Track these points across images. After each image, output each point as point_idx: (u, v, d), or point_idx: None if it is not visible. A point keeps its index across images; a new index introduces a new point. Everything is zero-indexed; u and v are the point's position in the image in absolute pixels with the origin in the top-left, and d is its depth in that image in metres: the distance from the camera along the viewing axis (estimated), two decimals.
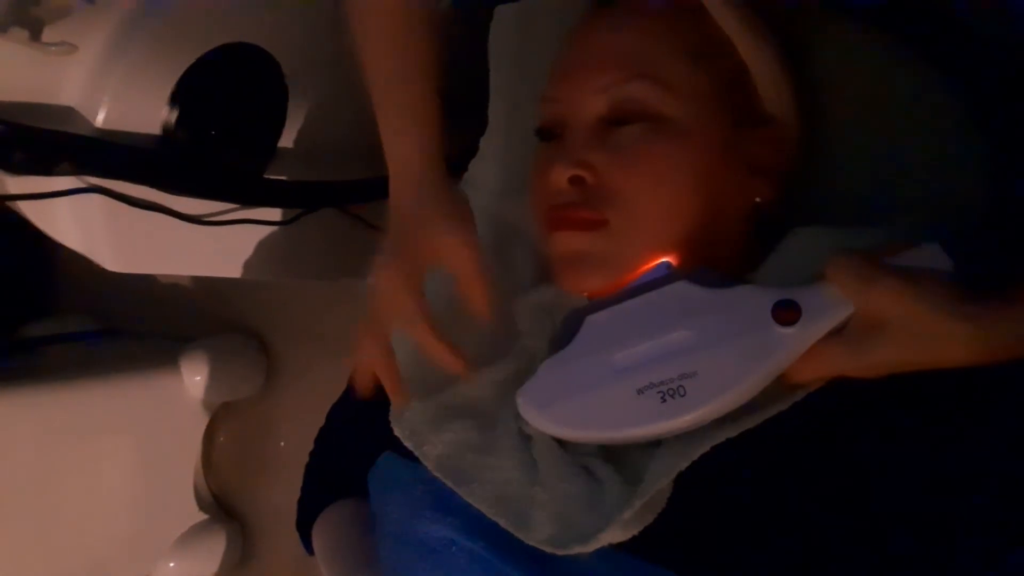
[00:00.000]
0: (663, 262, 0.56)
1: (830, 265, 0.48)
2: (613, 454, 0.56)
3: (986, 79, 0.54)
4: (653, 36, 0.58)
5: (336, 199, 1.04)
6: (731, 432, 0.50)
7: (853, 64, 0.63)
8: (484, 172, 0.82)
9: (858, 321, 0.47)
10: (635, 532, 0.52)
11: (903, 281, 0.45)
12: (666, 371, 0.50)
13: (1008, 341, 0.43)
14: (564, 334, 0.56)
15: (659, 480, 0.51)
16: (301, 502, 0.81)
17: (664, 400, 0.50)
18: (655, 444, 0.54)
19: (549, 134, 0.62)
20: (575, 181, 0.57)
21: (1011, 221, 0.52)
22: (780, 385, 0.50)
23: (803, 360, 0.48)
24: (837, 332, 0.48)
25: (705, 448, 0.50)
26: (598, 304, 0.56)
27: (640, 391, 0.51)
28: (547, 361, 0.56)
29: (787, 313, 0.48)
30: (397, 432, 0.65)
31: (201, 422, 1.54)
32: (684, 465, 0.50)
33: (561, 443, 0.58)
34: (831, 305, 0.48)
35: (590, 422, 0.53)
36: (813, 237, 0.55)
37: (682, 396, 0.49)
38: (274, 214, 1.01)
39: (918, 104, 0.61)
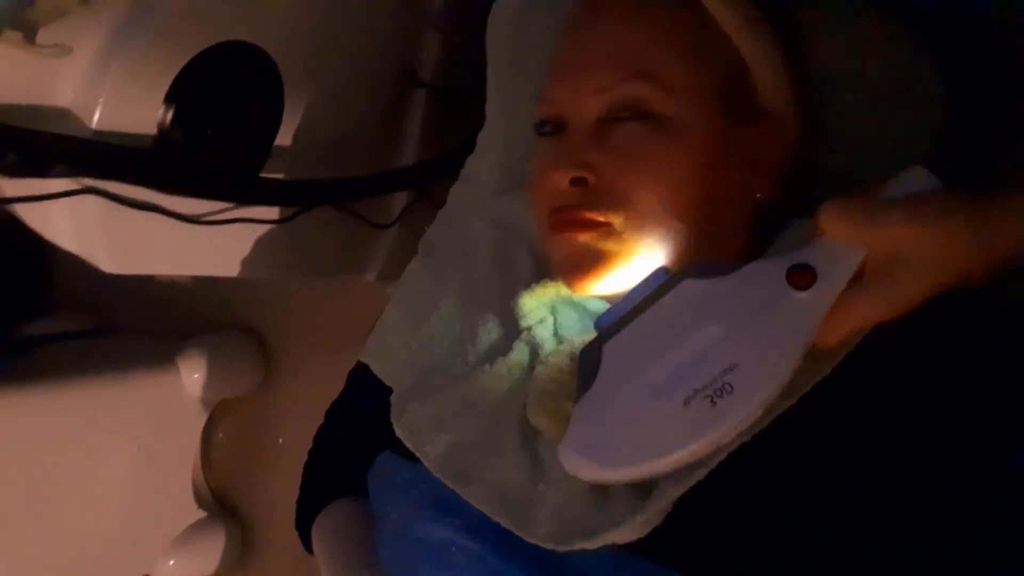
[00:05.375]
0: (660, 268, 0.55)
1: (823, 218, 0.48)
2: None
3: (979, 63, 0.54)
4: (651, 34, 0.58)
5: (333, 197, 1.04)
6: (745, 436, 0.49)
7: (852, 57, 0.63)
8: (482, 168, 0.82)
9: (872, 263, 0.47)
10: (643, 533, 0.52)
11: (902, 209, 0.45)
12: (706, 373, 0.48)
13: (1019, 237, 0.44)
14: (586, 371, 0.54)
15: (676, 488, 0.50)
16: (300, 502, 0.81)
17: (714, 403, 0.47)
18: None
19: (548, 130, 0.62)
20: (577, 182, 0.57)
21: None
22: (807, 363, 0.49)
23: (830, 323, 0.47)
24: (854, 282, 0.47)
25: (721, 456, 0.49)
26: (610, 330, 0.54)
27: (687, 402, 0.48)
28: (579, 405, 0.53)
29: (802, 277, 0.47)
30: (398, 432, 0.65)
31: (199, 419, 1.54)
32: (704, 474, 0.49)
33: None
34: (841, 257, 0.47)
35: (647, 453, 0.49)
36: (811, 229, 0.55)
37: (731, 393, 0.47)
38: (271, 212, 1.00)
39: (917, 96, 0.61)
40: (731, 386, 0.47)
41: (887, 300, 0.46)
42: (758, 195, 0.61)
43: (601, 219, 0.56)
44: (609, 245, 0.57)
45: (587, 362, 0.54)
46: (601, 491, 0.54)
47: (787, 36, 0.62)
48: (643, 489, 0.52)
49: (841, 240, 0.47)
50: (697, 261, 0.54)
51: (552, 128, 0.61)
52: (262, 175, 0.97)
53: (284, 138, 0.98)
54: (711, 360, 0.49)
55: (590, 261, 0.57)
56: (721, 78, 0.59)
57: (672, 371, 0.50)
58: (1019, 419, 0.47)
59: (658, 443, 0.49)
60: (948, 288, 0.45)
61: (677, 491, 0.50)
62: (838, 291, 0.47)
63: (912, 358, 0.50)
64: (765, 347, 0.48)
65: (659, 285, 0.53)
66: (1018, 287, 0.52)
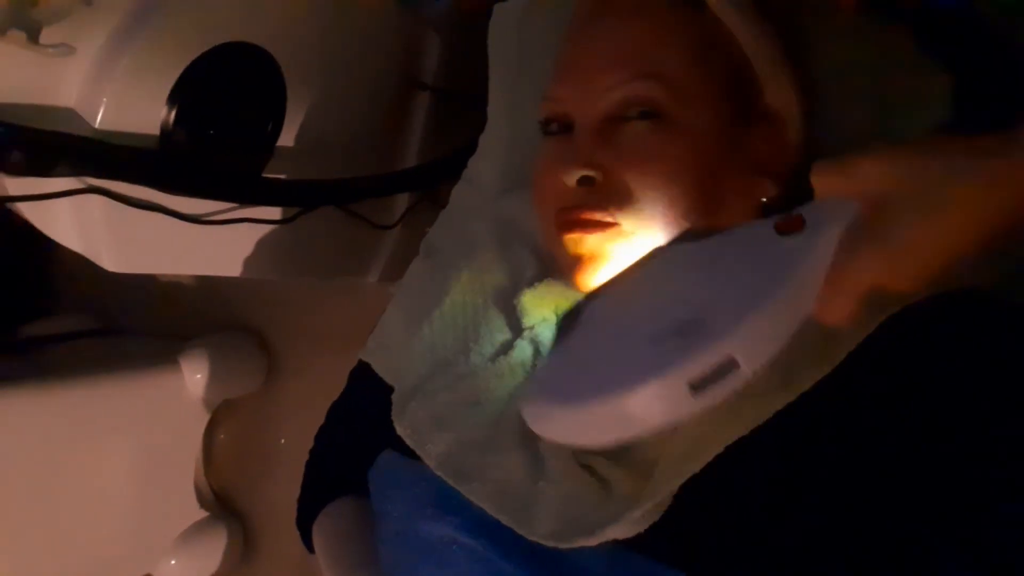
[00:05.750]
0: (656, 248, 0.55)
1: (812, 177, 0.46)
2: (618, 454, 0.57)
3: (978, 63, 0.54)
4: (658, 34, 0.58)
5: (335, 197, 1.04)
6: (743, 431, 0.49)
7: (855, 56, 0.63)
8: (484, 169, 0.82)
9: (867, 210, 0.44)
10: (642, 529, 0.53)
11: (888, 147, 0.43)
12: (680, 313, 0.46)
13: (1011, 167, 0.40)
14: (563, 333, 0.52)
15: (672, 481, 0.51)
16: (301, 500, 0.81)
17: (685, 340, 0.44)
18: (664, 443, 0.54)
19: (553, 129, 0.62)
20: (584, 182, 0.57)
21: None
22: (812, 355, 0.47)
23: (830, 288, 0.44)
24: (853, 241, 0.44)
25: (718, 450, 0.50)
26: (594, 292, 0.53)
27: (655, 340, 0.45)
28: (546, 360, 0.51)
29: (789, 224, 0.45)
30: (399, 430, 0.65)
31: (202, 420, 1.54)
32: (697, 467, 0.50)
33: None
34: (832, 207, 0.44)
35: (609, 389, 0.45)
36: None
37: (703, 331, 0.44)
38: (273, 213, 1.01)
39: (920, 95, 0.61)
40: (704, 324, 0.45)
41: (885, 249, 0.42)
42: (764, 199, 0.61)
43: (609, 219, 0.56)
44: (617, 245, 0.57)
45: (566, 325, 0.52)
46: (601, 488, 0.54)
47: (789, 37, 0.62)
48: (639, 484, 0.53)
49: (831, 193, 0.45)
50: (689, 230, 0.53)
51: (558, 127, 0.61)
52: (265, 175, 0.97)
53: (287, 139, 0.98)
54: (686, 302, 0.47)
55: (598, 260, 0.57)
56: (726, 79, 0.59)
57: (645, 315, 0.48)
58: (1019, 420, 0.47)
59: (621, 378, 0.45)
60: (955, 241, 0.41)
61: (674, 484, 0.50)
62: (829, 237, 0.44)
63: (913, 358, 0.50)
64: (745, 290, 0.45)
65: (648, 252, 0.53)
66: (1020, 288, 0.52)
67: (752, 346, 0.43)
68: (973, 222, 0.40)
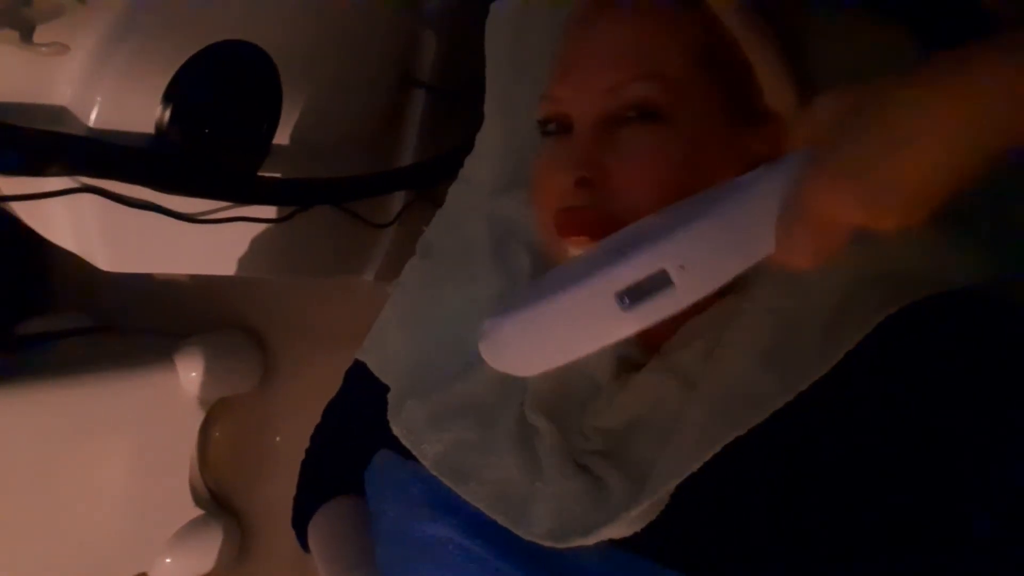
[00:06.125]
0: None
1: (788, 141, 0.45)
2: (614, 452, 0.57)
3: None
4: (657, 34, 0.58)
5: (331, 196, 1.04)
6: (740, 430, 0.50)
7: (854, 56, 0.63)
8: (480, 168, 0.82)
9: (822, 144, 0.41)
10: (638, 528, 0.53)
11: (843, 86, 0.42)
12: (623, 237, 0.47)
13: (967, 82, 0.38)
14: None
15: (668, 481, 0.51)
16: (297, 500, 0.81)
17: (620, 253, 0.44)
18: (662, 443, 0.54)
19: (552, 128, 0.61)
20: (582, 183, 0.57)
21: None
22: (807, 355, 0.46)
23: (782, 221, 0.43)
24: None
25: (716, 448, 0.50)
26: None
27: (590, 259, 0.46)
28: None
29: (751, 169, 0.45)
30: (395, 431, 0.65)
31: (197, 418, 1.54)
32: (695, 466, 0.50)
33: (565, 439, 0.58)
34: (793, 155, 0.43)
35: (545, 292, 0.45)
36: None
37: (638, 244, 0.44)
38: (269, 211, 1.00)
39: None
40: (641, 240, 0.44)
41: (828, 167, 0.40)
42: None
43: (607, 221, 0.56)
44: None
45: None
46: (597, 488, 0.54)
47: (788, 37, 0.62)
48: (636, 484, 0.53)
49: (797, 145, 0.44)
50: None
51: (556, 127, 0.61)
52: (260, 174, 0.97)
53: (282, 137, 0.98)
54: (635, 232, 0.47)
55: None
56: (726, 80, 0.58)
57: (597, 250, 0.48)
58: (1020, 421, 0.47)
59: (547, 292, 0.45)
60: (950, 161, 0.38)
61: (671, 484, 0.50)
62: (777, 170, 0.43)
63: (913, 358, 0.50)
64: (685, 215, 0.45)
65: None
66: (1020, 288, 0.52)
67: (686, 263, 0.43)
68: (930, 138, 0.38)
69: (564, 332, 0.46)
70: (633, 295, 0.43)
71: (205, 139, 0.88)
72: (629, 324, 0.44)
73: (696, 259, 0.43)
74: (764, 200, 0.43)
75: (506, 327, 0.47)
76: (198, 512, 1.57)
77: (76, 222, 0.83)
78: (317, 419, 0.83)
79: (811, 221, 0.42)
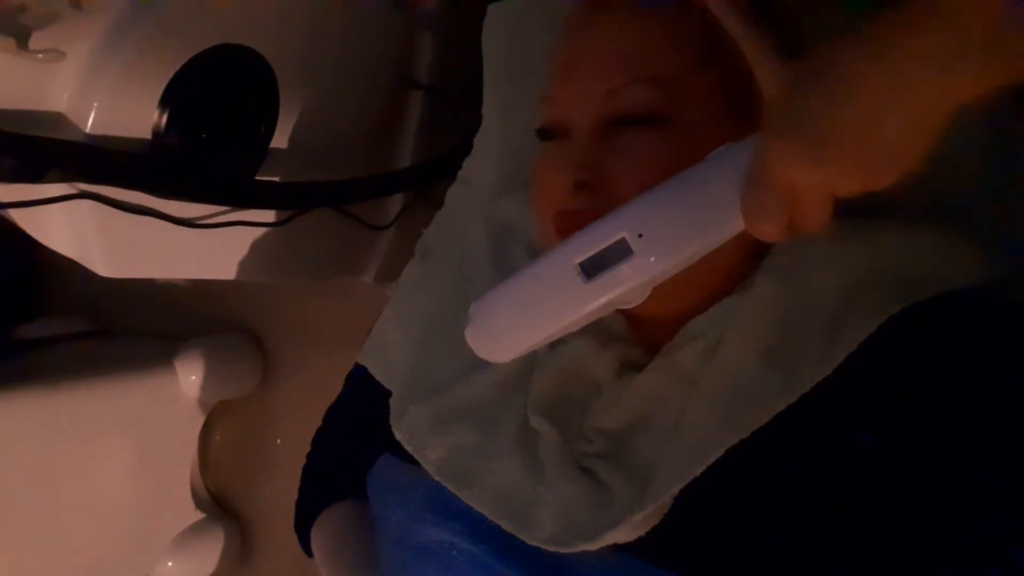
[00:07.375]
0: None
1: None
2: (616, 454, 0.56)
3: None
4: (656, 36, 0.57)
5: (329, 199, 1.04)
6: (743, 433, 0.49)
7: None
8: (479, 170, 0.82)
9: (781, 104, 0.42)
10: (642, 532, 0.53)
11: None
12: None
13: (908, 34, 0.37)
14: None
15: (672, 485, 0.50)
16: (299, 504, 0.81)
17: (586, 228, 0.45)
18: (664, 443, 0.53)
19: (551, 134, 0.61)
20: (581, 186, 0.56)
21: None
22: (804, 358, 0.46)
23: (746, 191, 0.43)
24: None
25: (719, 452, 0.50)
26: None
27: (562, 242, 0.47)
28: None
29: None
30: (397, 435, 0.65)
31: (197, 421, 1.54)
32: (698, 471, 0.50)
33: (566, 442, 0.58)
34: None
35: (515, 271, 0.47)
36: None
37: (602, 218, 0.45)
38: (267, 215, 1.00)
39: None
40: (606, 216, 0.46)
41: (781, 129, 0.40)
42: None
43: None
44: None
45: None
46: (600, 492, 0.54)
47: (787, 38, 0.62)
48: (639, 488, 0.53)
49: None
50: None
51: (556, 129, 0.61)
52: (258, 178, 0.97)
53: (280, 141, 0.98)
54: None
55: None
56: (726, 81, 0.58)
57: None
58: (1020, 421, 0.47)
59: (530, 263, 0.48)
60: (909, 117, 0.37)
61: (675, 488, 0.50)
62: (740, 145, 0.43)
63: (914, 359, 0.50)
64: (652, 190, 0.46)
65: None
66: (1020, 288, 0.52)
67: (644, 231, 0.43)
68: (873, 85, 0.37)
69: (532, 308, 0.47)
70: (594, 265, 0.44)
71: (202, 143, 0.87)
72: (592, 294, 0.44)
73: (654, 227, 0.44)
74: (723, 169, 0.44)
75: (482, 309, 0.49)
76: (199, 515, 1.56)
77: (74, 228, 0.83)
78: (317, 421, 0.83)
79: (768, 182, 0.42)
